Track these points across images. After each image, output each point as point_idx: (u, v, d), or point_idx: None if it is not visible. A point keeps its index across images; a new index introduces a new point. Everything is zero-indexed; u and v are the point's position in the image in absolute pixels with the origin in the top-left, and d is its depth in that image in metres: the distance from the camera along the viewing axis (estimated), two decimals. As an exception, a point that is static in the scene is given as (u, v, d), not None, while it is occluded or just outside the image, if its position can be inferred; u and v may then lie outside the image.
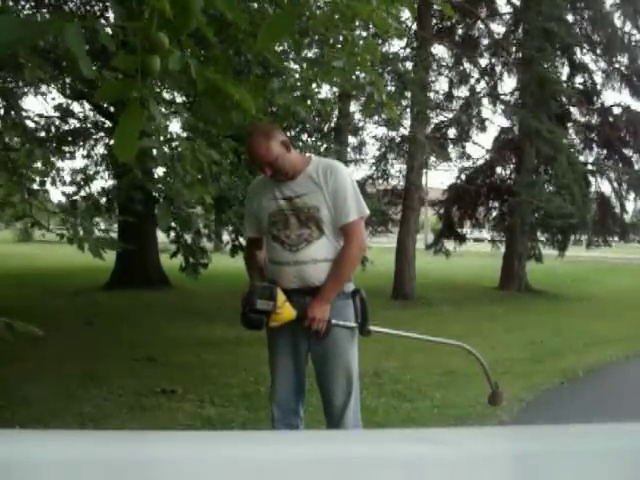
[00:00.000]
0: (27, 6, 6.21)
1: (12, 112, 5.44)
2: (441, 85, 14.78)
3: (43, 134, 8.41)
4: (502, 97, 14.84)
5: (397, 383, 5.08)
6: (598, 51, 14.42)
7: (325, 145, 10.10)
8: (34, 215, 3.51)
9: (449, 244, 15.62)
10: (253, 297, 2.57)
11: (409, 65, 12.84)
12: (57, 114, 9.22)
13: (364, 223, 2.77)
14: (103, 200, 7.25)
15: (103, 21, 5.75)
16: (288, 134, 7.03)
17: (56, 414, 4.03)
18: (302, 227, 2.63)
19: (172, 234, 4.56)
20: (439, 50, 14.75)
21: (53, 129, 9.09)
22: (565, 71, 14.21)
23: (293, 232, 2.63)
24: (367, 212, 2.72)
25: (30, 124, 7.25)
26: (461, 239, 15.79)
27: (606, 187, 15.11)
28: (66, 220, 3.42)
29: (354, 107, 13.37)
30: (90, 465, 0.77)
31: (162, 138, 3.63)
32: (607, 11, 14.08)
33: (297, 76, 4.84)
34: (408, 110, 12.23)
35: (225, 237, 6.02)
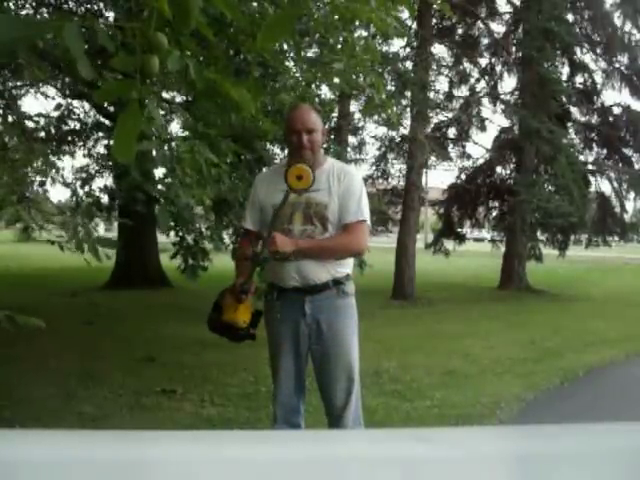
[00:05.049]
0: (27, 6, 6.21)
1: (10, 111, 5.43)
2: (441, 85, 14.80)
3: (43, 134, 8.40)
4: (502, 97, 14.85)
5: (397, 383, 5.08)
6: (598, 51, 14.43)
7: (325, 145, 10.09)
8: (33, 217, 3.49)
9: (449, 244, 15.61)
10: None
11: (409, 65, 12.83)
12: (57, 114, 9.20)
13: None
14: (104, 199, 7.20)
15: (102, 21, 5.75)
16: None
17: (56, 414, 4.02)
18: (306, 223, 2.63)
19: (172, 234, 4.55)
20: (439, 50, 14.78)
21: (53, 129, 9.07)
22: (565, 71, 14.23)
23: (296, 227, 2.62)
24: (367, 218, 2.71)
25: (30, 124, 7.25)
26: (461, 239, 15.78)
27: (606, 187, 15.15)
28: (67, 222, 3.40)
29: (354, 107, 13.37)
30: (89, 465, 0.77)
31: (161, 139, 3.62)
32: (607, 11, 14.09)
33: (297, 76, 4.84)
34: (408, 110, 12.22)
35: (225, 239, 5.98)
